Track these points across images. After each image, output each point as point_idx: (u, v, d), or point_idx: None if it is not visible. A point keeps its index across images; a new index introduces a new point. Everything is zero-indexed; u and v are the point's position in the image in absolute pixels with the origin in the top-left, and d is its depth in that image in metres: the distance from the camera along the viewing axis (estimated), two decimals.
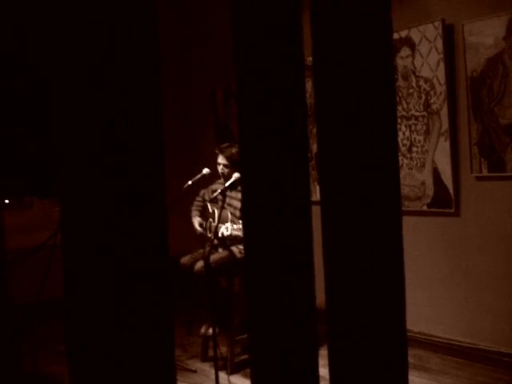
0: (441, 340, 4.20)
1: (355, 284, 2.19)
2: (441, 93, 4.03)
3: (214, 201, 4.24)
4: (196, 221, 4.48)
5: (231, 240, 4.11)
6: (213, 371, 3.61)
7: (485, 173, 3.86)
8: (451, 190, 4.05)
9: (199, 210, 4.57)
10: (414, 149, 4.25)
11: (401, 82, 4.26)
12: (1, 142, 1.78)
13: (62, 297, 1.73)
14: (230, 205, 4.27)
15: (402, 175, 4.15)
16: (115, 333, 1.74)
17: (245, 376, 3.93)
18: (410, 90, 4.23)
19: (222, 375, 3.85)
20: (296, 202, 2.12)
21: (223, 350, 3.96)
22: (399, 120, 4.21)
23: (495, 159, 3.79)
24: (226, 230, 4.01)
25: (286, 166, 2.09)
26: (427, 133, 4.16)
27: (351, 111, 2.17)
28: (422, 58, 4.12)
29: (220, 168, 4.33)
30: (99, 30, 1.70)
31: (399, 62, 4.25)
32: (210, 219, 4.34)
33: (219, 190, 4.03)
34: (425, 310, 4.27)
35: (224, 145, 4.40)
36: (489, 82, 3.77)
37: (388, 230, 2.23)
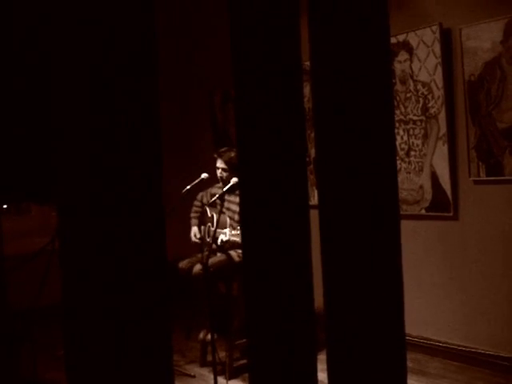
0: (439, 344, 4.20)
1: (354, 288, 2.19)
2: (439, 97, 4.04)
3: (212, 205, 4.25)
4: (192, 230, 4.52)
5: (230, 245, 4.11)
6: (211, 376, 3.60)
7: (483, 177, 3.87)
8: (449, 194, 4.06)
9: (197, 217, 4.58)
10: (412, 153, 4.26)
11: (399, 86, 4.27)
12: (0, 147, 1.78)
13: (60, 302, 1.73)
14: (228, 209, 4.28)
15: (400, 179, 4.15)
16: (113, 338, 1.73)
17: (243, 381, 3.92)
18: (408, 94, 4.23)
19: (221, 380, 3.84)
20: (294, 207, 2.12)
21: (222, 354, 3.95)
22: (397, 124, 4.22)
23: (493, 163, 3.80)
24: (224, 235, 4.02)
25: (284, 170, 2.10)
26: (425, 137, 4.16)
27: (349, 115, 2.17)
28: (420, 62, 4.13)
29: (219, 172, 4.34)
30: (99, 31, 1.70)
31: (397, 66, 4.26)
32: (209, 224, 4.35)
33: (217, 195, 4.03)
34: (423, 314, 4.27)
35: (222, 149, 4.42)
36: (486, 85, 3.78)
37: (386, 233, 2.23)
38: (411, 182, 4.28)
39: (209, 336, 3.92)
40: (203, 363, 4.27)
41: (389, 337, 2.24)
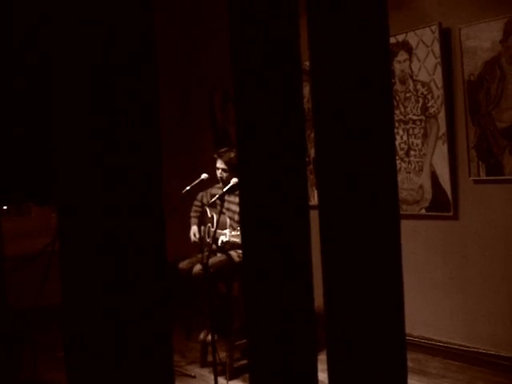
0: (440, 344, 4.20)
1: (354, 288, 2.19)
2: (438, 96, 4.04)
3: (212, 205, 4.25)
4: (192, 230, 4.52)
5: (230, 246, 4.12)
6: (212, 377, 3.60)
7: (483, 176, 3.87)
8: (449, 194, 4.06)
9: (197, 217, 4.58)
10: (412, 152, 4.26)
11: (398, 86, 4.27)
12: (0, 147, 1.78)
13: (60, 303, 1.73)
14: (228, 209, 4.28)
15: (399, 179, 4.15)
16: (113, 338, 1.73)
17: (244, 381, 3.92)
18: (408, 94, 4.23)
19: (221, 381, 3.84)
20: (294, 207, 2.12)
21: (222, 355, 3.95)
22: (397, 124, 4.22)
23: (493, 162, 3.80)
24: (224, 236, 4.02)
25: (283, 170, 2.09)
26: (425, 136, 4.16)
27: (348, 115, 2.17)
28: (419, 61, 4.13)
29: (219, 172, 4.34)
30: (99, 31, 1.70)
31: (396, 66, 4.26)
32: (209, 224, 4.35)
33: (217, 195, 4.04)
34: (424, 314, 4.27)
35: (222, 149, 4.42)
36: (486, 85, 3.78)
37: (386, 233, 2.23)
38: (411, 182, 4.28)
39: (209, 336, 3.92)
40: (203, 364, 4.27)
41: (389, 337, 2.24)
